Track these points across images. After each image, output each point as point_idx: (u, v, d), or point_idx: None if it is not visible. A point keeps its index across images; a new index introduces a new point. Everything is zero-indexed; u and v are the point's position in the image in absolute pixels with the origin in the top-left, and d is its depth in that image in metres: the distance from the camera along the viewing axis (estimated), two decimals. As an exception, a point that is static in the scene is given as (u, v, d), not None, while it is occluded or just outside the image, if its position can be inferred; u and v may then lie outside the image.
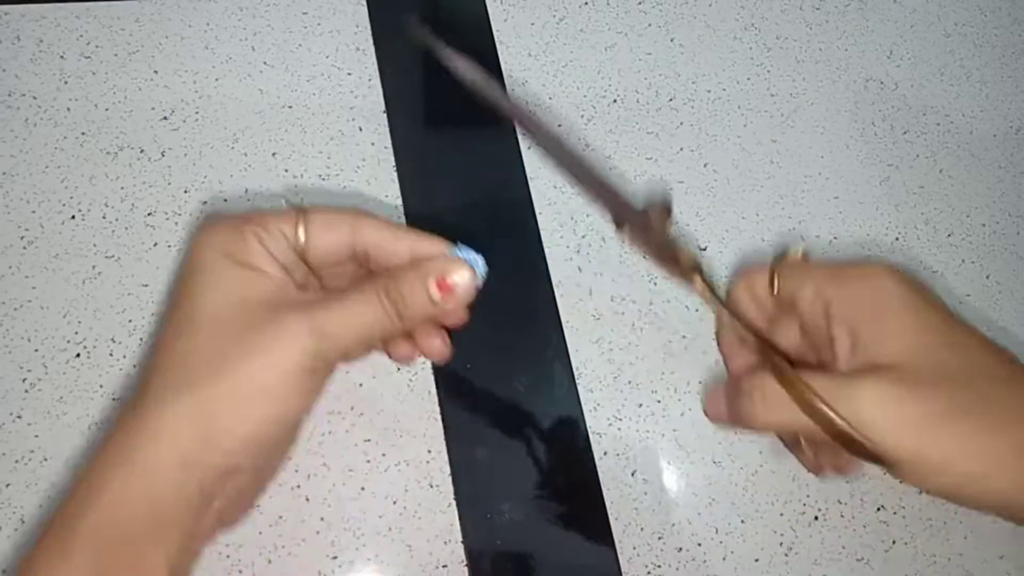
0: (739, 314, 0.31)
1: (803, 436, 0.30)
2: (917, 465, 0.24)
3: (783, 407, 0.25)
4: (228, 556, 0.33)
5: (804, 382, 0.25)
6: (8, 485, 0.33)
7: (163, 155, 0.39)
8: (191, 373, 0.23)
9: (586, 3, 0.46)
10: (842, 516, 0.36)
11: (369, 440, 0.35)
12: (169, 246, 0.38)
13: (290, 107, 0.41)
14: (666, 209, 0.30)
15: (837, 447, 0.25)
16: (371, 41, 0.43)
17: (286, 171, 0.40)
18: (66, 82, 0.40)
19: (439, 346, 0.29)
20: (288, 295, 0.25)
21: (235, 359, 0.23)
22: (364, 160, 0.41)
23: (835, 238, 0.42)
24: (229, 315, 0.24)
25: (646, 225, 0.30)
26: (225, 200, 0.39)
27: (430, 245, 0.27)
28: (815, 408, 0.24)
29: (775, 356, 0.27)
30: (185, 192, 0.39)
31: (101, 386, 0.35)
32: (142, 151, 0.39)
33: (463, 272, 0.25)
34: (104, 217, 0.38)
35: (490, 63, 0.44)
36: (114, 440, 0.24)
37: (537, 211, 0.41)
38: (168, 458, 0.23)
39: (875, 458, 0.24)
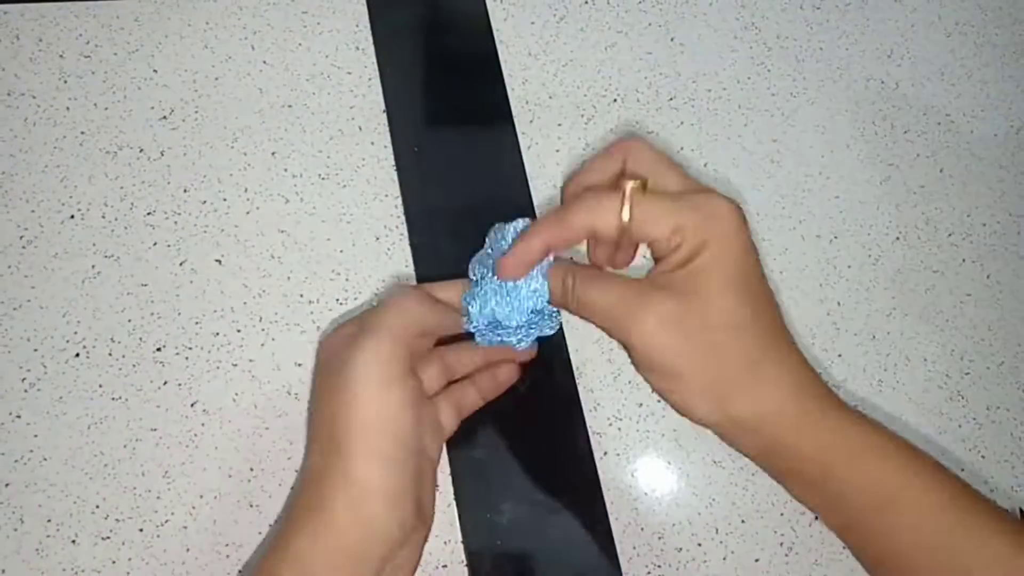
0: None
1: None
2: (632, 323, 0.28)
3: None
4: (228, 556, 0.33)
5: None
6: (8, 485, 0.33)
7: (162, 154, 0.39)
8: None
9: (586, 2, 0.46)
10: (842, 516, 0.36)
11: (369, 440, 0.35)
12: (168, 246, 0.38)
13: (290, 106, 0.41)
14: None
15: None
16: (371, 40, 0.43)
17: (285, 170, 0.40)
18: (65, 81, 0.40)
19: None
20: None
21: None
22: (364, 160, 0.41)
23: (835, 237, 0.42)
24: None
25: None
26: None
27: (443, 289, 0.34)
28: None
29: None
30: (185, 192, 0.39)
31: (100, 386, 0.35)
32: (141, 150, 0.39)
33: (523, 355, 0.34)
34: (103, 216, 0.38)
35: (490, 63, 0.44)
36: (305, 501, 0.29)
37: (537, 211, 0.41)
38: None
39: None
